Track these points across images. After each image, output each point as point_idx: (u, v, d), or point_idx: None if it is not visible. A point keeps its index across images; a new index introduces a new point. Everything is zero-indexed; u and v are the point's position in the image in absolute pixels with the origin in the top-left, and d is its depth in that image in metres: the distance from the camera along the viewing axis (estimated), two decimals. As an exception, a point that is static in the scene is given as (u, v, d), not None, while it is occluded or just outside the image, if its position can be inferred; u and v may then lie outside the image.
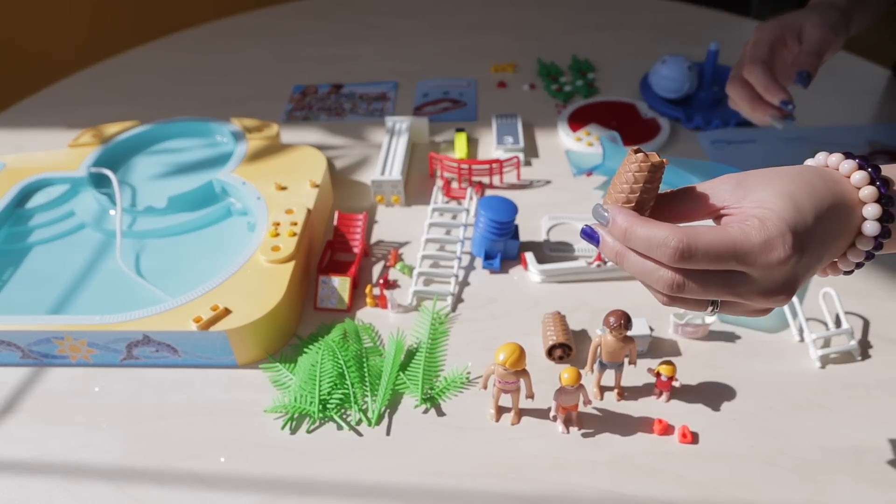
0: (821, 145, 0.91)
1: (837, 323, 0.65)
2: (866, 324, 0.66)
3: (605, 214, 0.39)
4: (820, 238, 0.38)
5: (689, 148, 0.92)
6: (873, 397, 0.60)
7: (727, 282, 0.38)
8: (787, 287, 0.38)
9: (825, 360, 0.63)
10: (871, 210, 0.39)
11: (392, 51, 1.21)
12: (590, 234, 0.41)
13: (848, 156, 0.40)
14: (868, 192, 0.39)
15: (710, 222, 0.40)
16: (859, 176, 0.39)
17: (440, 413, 0.60)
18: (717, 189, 0.40)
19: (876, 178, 0.39)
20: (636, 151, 0.39)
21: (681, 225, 0.38)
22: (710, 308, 0.41)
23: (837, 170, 0.40)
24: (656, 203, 0.40)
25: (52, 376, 0.65)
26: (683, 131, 0.95)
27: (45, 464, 0.58)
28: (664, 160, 0.38)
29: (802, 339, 0.65)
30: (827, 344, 0.64)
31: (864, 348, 0.64)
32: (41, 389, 0.64)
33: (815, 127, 0.95)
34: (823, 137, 0.93)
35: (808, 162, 0.42)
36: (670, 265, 0.38)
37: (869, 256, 0.40)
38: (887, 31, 1.39)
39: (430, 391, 0.62)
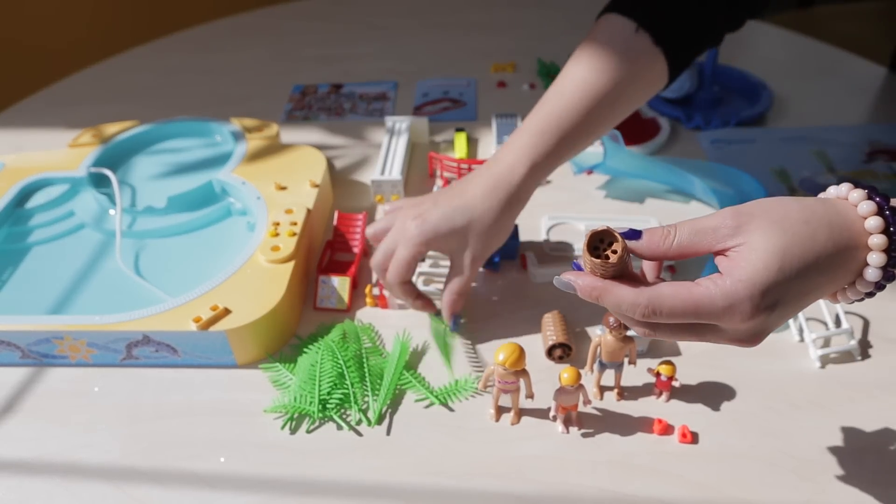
0: (821, 145, 0.91)
1: (837, 323, 0.65)
2: (866, 324, 0.66)
3: (570, 285, 0.41)
4: (803, 292, 0.39)
5: (688, 148, 0.92)
6: (873, 397, 0.60)
7: (695, 330, 0.41)
8: (754, 338, 0.41)
9: (825, 360, 0.63)
10: (876, 258, 0.39)
11: (392, 51, 1.21)
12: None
13: (871, 195, 0.40)
14: (878, 240, 0.39)
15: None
16: (874, 222, 0.39)
17: (440, 413, 0.60)
18: (720, 231, 0.40)
19: (892, 224, 0.39)
20: (593, 235, 0.39)
21: (645, 290, 0.39)
22: None
23: (856, 207, 0.40)
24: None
25: (52, 376, 0.65)
26: (683, 131, 0.95)
27: (45, 464, 0.58)
28: (617, 260, 0.39)
29: (802, 339, 0.65)
30: (827, 344, 0.64)
31: (864, 348, 0.64)
32: (41, 389, 0.64)
33: (816, 126, 0.95)
34: (824, 137, 0.93)
35: (831, 190, 0.42)
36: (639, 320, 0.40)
37: (869, 295, 0.41)
38: (884, 30, 1.39)
39: (433, 394, 0.62)
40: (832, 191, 0.42)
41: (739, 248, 0.39)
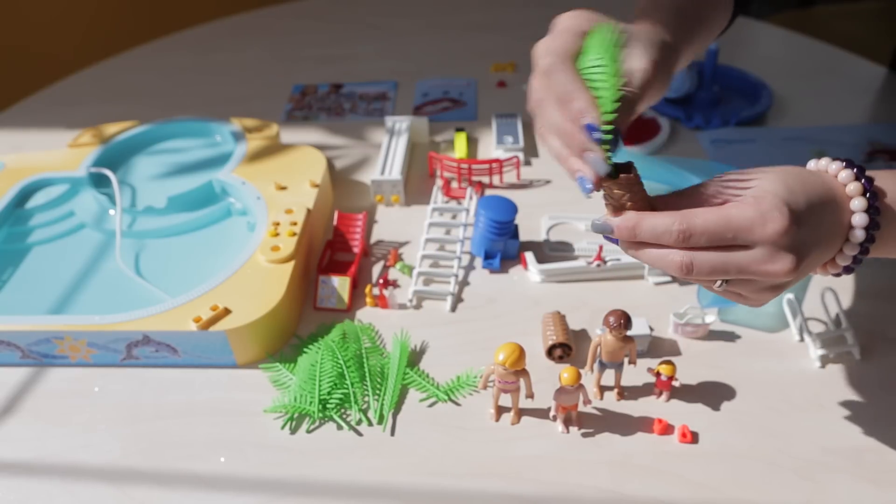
0: (821, 145, 0.91)
1: (837, 323, 0.65)
2: (866, 324, 0.66)
3: (607, 224, 0.42)
4: (814, 222, 0.41)
5: (689, 147, 0.92)
6: (873, 397, 0.60)
7: (733, 258, 0.40)
8: (793, 251, 0.40)
9: (825, 360, 0.63)
10: (858, 203, 0.42)
11: (392, 50, 1.21)
12: (609, 238, 0.44)
13: (835, 159, 0.44)
14: (854, 187, 0.42)
15: None
16: (845, 174, 0.43)
17: (440, 413, 0.60)
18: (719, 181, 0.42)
19: (861, 176, 0.43)
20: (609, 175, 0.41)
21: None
22: (718, 283, 0.43)
23: (826, 172, 0.44)
24: (664, 202, 0.43)
25: (52, 376, 0.65)
26: (683, 131, 0.95)
27: (45, 464, 0.58)
28: (633, 174, 0.41)
29: (802, 339, 0.65)
30: (827, 344, 0.64)
31: (864, 348, 0.64)
32: (41, 389, 0.64)
33: (816, 127, 0.95)
34: (824, 137, 0.92)
35: (811, 164, 0.46)
36: (678, 247, 0.41)
37: (864, 251, 0.43)
38: (884, 30, 1.39)
39: (439, 390, 0.62)
40: (812, 165, 0.45)
41: (745, 191, 0.41)
